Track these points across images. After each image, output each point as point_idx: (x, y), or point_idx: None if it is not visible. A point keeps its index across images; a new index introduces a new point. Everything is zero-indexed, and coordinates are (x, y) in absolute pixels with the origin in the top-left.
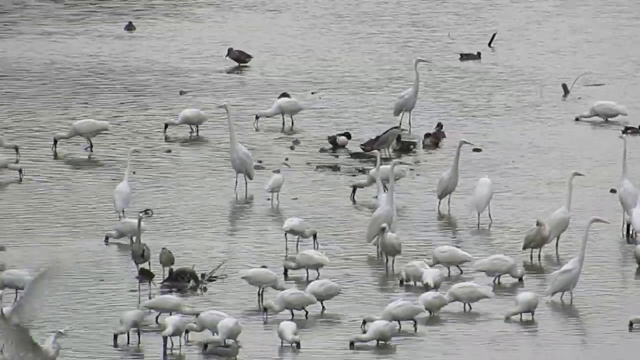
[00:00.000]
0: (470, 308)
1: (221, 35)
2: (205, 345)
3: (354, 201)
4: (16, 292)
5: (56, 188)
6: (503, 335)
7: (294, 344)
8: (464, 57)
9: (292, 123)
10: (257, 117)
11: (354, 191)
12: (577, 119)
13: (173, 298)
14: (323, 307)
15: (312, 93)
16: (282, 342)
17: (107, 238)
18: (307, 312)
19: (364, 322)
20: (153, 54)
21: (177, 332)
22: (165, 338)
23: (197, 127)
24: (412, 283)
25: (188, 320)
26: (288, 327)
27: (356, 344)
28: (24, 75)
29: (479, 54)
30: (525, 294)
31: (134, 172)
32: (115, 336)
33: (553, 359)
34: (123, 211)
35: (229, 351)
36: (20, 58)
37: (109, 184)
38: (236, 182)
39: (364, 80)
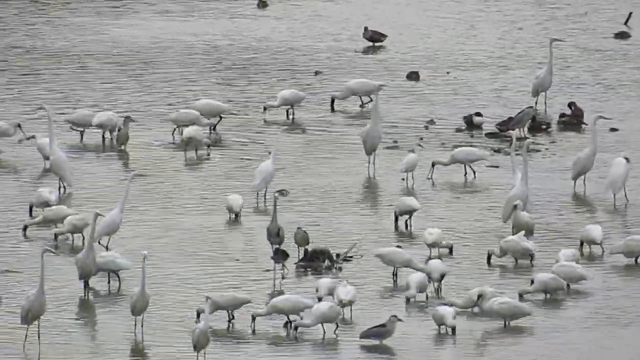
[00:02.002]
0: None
1: (355, 14)
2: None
3: (431, 179)
4: (109, 276)
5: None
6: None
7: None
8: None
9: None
10: (265, 109)
11: (432, 167)
12: None
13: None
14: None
15: (447, 72)
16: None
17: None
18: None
19: (479, 297)
20: (285, 32)
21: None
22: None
23: (293, 108)
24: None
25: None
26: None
27: (524, 295)
28: (163, 55)
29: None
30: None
31: (269, 152)
32: (253, 318)
33: None
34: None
35: (384, 331)
36: (154, 37)
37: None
38: (369, 162)
39: (497, 59)
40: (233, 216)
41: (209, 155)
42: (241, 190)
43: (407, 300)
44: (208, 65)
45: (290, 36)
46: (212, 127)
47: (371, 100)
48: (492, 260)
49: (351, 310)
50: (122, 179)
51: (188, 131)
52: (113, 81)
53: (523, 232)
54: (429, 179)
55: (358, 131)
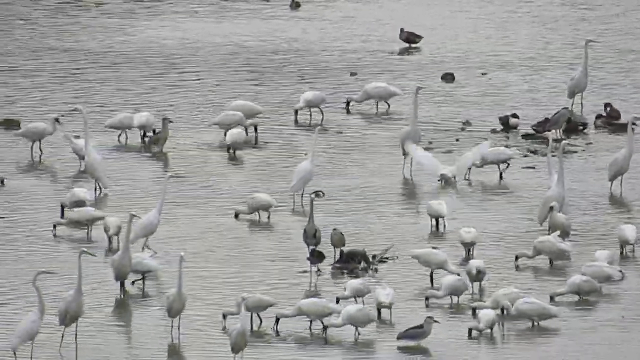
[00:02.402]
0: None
1: (387, 15)
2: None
3: (468, 180)
4: (143, 278)
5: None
6: None
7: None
8: None
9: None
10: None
11: (469, 169)
12: None
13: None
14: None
15: (483, 74)
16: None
17: (236, 214)
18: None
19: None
20: (319, 33)
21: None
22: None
23: (320, 108)
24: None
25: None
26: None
27: (556, 298)
28: (194, 56)
29: None
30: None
31: (305, 154)
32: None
33: None
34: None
35: (421, 332)
36: (184, 39)
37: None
38: (404, 163)
39: (529, 59)
40: (263, 215)
41: (249, 151)
42: (278, 191)
43: (426, 299)
44: (239, 66)
45: (322, 37)
46: (255, 128)
47: (389, 107)
48: (519, 263)
49: (391, 312)
50: (159, 179)
51: (231, 133)
52: (144, 83)
53: (558, 232)
54: (466, 179)
55: (394, 133)
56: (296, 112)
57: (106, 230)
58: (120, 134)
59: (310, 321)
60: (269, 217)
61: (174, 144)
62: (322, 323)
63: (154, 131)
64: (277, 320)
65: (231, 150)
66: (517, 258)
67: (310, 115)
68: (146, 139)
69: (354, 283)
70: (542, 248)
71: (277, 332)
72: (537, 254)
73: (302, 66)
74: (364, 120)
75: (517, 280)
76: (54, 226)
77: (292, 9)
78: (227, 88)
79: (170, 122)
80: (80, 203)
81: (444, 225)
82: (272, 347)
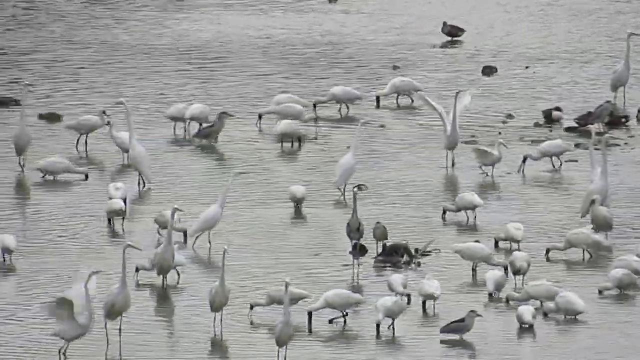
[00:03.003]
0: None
1: (424, 8)
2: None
3: (521, 172)
4: (177, 272)
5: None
6: None
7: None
8: None
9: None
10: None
11: (523, 162)
12: None
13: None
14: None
15: (526, 67)
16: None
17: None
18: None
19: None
20: (355, 26)
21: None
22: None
23: (347, 105)
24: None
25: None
26: (397, 279)
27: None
28: (232, 49)
29: None
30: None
31: (348, 147)
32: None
33: None
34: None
35: (463, 326)
36: (219, 32)
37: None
38: (447, 157)
39: (570, 52)
40: (296, 206)
41: (300, 147)
42: (321, 185)
43: (490, 295)
44: (277, 59)
45: (360, 30)
46: (315, 120)
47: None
48: (550, 255)
49: (434, 305)
50: (208, 172)
51: (283, 124)
52: (181, 76)
53: (592, 225)
54: (518, 172)
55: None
56: (314, 105)
57: (158, 223)
58: (175, 125)
59: (344, 314)
60: (299, 206)
61: (223, 136)
62: (343, 314)
63: (201, 124)
64: (310, 314)
65: (285, 142)
66: (548, 251)
67: (341, 109)
68: (196, 131)
69: (397, 278)
70: (576, 240)
71: (310, 329)
72: (570, 246)
73: (339, 59)
74: (402, 113)
75: (557, 273)
76: (109, 220)
77: (330, 2)
78: (267, 80)
79: (231, 116)
80: (118, 212)
81: (475, 217)
82: (311, 342)
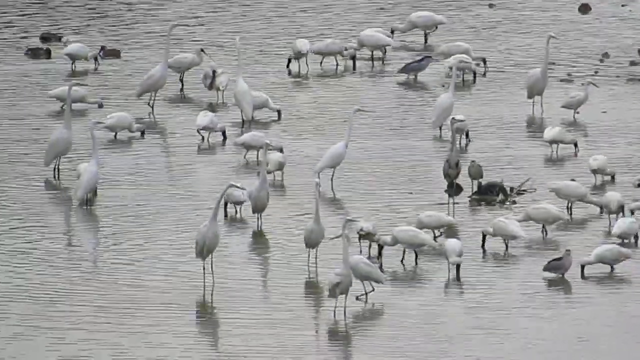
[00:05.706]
0: None
1: None
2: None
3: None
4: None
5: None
6: None
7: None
8: None
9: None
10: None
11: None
12: None
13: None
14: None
15: (622, 5)
16: None
17: None
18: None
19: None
20: None
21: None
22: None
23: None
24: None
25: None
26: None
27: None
28: None
29: None
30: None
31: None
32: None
33: None
34: None
35: (560, 264)
36: None
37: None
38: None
39: None
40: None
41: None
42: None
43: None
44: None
45: None
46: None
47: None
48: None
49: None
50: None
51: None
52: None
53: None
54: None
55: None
56: (392, 31)
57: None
58: (288, 63)
59: (416, 255)
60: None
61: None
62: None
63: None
64: (381, 248)
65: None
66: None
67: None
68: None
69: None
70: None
71: (380, 266)
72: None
73: None
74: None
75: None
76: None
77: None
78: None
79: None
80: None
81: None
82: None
